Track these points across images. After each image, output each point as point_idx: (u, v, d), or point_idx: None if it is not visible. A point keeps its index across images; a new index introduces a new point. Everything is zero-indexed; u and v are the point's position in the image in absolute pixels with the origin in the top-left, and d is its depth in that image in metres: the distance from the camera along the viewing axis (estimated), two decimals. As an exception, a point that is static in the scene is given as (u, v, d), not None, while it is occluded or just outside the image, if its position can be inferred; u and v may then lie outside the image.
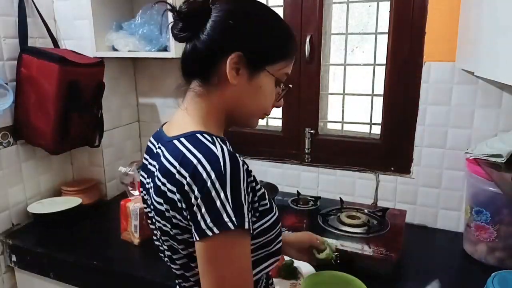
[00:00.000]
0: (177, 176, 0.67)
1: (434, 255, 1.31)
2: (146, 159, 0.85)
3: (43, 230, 1.53)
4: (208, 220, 0.64)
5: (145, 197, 0.84)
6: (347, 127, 1.67)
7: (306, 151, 1.64)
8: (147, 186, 0.82)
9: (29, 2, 1.53)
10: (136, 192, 1.45)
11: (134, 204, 1.38)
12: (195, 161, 0.66)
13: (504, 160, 1.13)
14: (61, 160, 1.75)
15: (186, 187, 0.66)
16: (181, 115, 0.79)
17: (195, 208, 0.65)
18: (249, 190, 0.69)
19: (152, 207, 0.78)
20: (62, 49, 1.63)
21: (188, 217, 0.67)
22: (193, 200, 0.65)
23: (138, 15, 1.60)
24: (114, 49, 1.61)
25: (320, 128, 1.66)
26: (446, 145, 1.41)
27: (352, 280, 1.05)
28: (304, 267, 1.17)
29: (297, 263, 1.16)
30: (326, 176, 1.64)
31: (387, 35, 1.47)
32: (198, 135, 0.71)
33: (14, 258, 1.47)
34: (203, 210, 0.64)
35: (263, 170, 1.73)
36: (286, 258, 1.15)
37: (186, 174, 0.66)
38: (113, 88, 1.73)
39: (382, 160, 1.54)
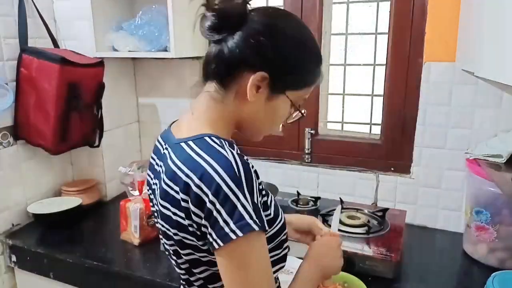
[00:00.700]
0: (185, 179, 0.66)
1: (434, 255, 1.31)
2: (154, 159, 0.83)
3: (43, 230, 1.53)
4: (231, 224, 0.62)
5: (151, 196, 0.84)
6: (347, 127, 1.67)
7: (306, 151, 1.64)
8: (153, 186, 0.81)
9: (29, 2, 1.53)
10: (136, 192, 1.45)
11: (134, 204, 1.38)
12: (204, 164, 0.65)
13: (504, 160, 1.13)
14: (61, 160, 1.75)
15: (197, 191, 0.64)
16: (190, 116, 0.77)
17: (214, 213, 0.63)
18: (259, 192, 0.69)
19: (157, 207, 0.77)
20: (62, 49, 1.63)
21: (204, 222, 0.65)
22: (208, 204, 0.63)
23: (138, 15, 1.60)
24: (114, 49, 1.61)
25: (320, 128, 1.66)
26: (446, 145, 1.41)
27: (352, 280, 1.05)
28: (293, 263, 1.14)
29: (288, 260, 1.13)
30: (326, 176, 1.64)
31: (387, 35, 1.47)
32: (207, 138, 0.70)
33: (14, 258, 1.47)
34: (224, 214, 0.63)
35: (263, 170, 1.72)
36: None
37: (195, 178, 0.65)
38: (113, 88, 1.73)
39: (382, 160, 1.54)
